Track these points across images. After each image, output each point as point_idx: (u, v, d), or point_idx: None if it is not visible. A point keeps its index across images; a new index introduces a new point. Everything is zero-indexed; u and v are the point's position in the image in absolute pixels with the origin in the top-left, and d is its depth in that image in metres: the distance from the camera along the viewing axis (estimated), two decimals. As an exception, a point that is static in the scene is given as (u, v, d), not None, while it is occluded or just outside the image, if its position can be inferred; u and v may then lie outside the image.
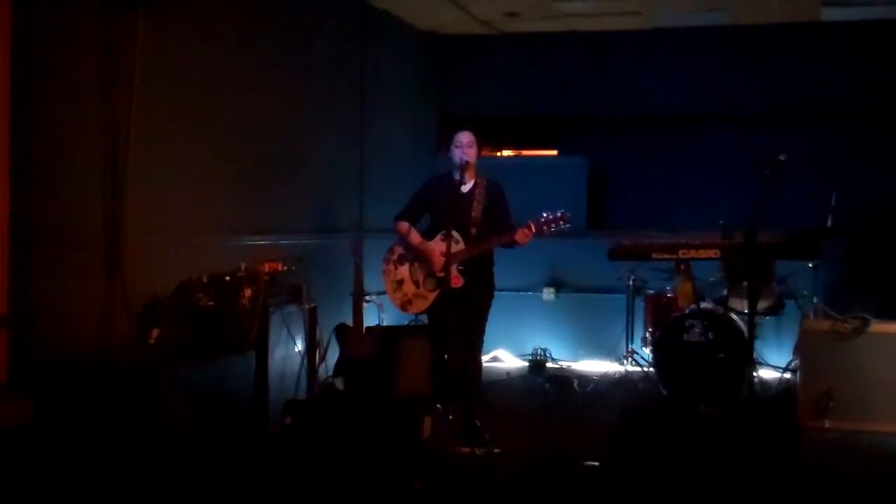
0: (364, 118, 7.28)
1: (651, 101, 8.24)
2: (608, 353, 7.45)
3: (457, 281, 5.07)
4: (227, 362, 4.48)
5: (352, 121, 7.16)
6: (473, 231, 5.16)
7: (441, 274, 5.03)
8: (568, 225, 5.06)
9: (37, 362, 3.97)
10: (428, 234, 5.34)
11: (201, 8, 5.18)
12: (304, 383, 5.34)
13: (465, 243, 5.12)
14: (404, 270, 5.34)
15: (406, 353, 5.38)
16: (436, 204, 5.30)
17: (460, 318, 5.07)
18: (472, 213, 5.18)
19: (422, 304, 5.30)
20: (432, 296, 5.22)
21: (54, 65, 4.18)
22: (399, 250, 5.39)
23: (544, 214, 5.03)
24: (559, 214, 5.03)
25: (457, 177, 5.23)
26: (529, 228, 5.02)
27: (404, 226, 5.36)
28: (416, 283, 5.30)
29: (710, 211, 6.52)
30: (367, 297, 5.61)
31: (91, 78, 4.37)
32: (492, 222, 5.20)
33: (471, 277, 5.13)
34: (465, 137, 5.17)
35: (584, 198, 7.96)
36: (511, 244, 5.10)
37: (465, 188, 5.26)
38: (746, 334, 5.50)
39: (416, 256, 5.30)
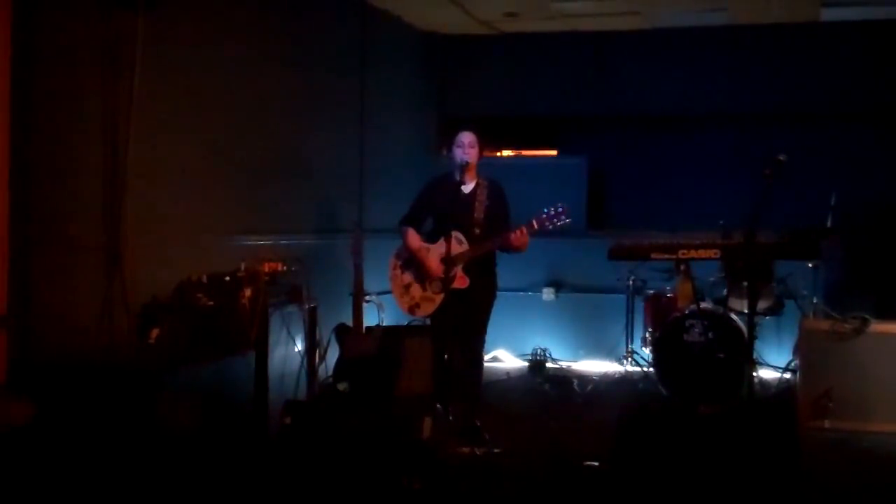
0: (364, 118, 7.28)
1: (651, 101, 8.23)
2: (608, 353, 7.44)
3: (462, 281, 5.07)
4: (227, 362, 4.48)
5: (352, 121, 7.16)
6: (477, 231, 5.15)
7: (441, 276, 5.04)
8: (569, 219, 5.05)
9: (37, 362, 3.98)
10: (431, 236, 5.34)
11: (201, 8, 5.18)
12: (304, 383, 5.34)
13: (469, 244, 5.11)
14: (410, 275, 5.32)
15: (406, 353, 5.38)
16: (437, 205, 5.30)
17: (463, 319, 5.07)
18: (475, 214, 5.18)
19: (429, 307, 5.26)
20: (439, 298, 5.18)
21: (54, 65, 4.18)
22: (405, 255, 5.37)
23: (544, 211, 5.03)
24: (560, 209, 5.03)
25: (457, 177, 5.24)
26: (531, 226, 5.01)
27: (407, 230, 5.35)
28: (423, 287, 5.27)
29: (710, 211, 6.52)
30: (367, 297, 5.61)
31: (91, 78, 4.37)
32: (494, 223, 5.20)
33: (474, 278, 5.13)
34: (466, 138, 5.17)
35: (584, 198, 7.95)
36: (506, 246, 5.09)
37: (467, 189, 5.26)
38: (746, 334, 5.50)
39: (415, 262, 5.29)
